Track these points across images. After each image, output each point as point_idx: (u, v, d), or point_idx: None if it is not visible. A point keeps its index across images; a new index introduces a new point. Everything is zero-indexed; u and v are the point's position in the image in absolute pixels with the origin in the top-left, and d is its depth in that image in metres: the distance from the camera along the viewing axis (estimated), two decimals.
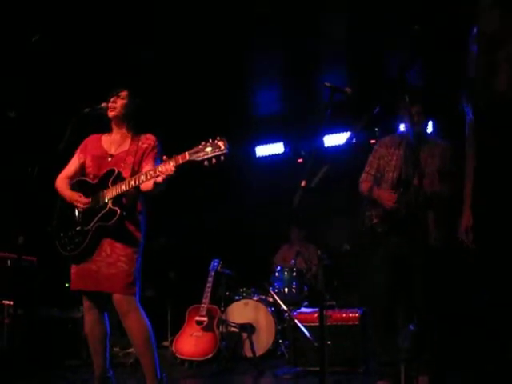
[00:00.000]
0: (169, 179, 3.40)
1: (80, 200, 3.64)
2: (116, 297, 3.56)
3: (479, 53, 2.57)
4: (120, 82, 3.86)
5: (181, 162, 3.30)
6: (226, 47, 6.36)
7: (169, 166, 3.33)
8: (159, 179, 3.35)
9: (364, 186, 4.28)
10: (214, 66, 6.67)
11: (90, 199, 3.64)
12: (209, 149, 3.21)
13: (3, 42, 5.68)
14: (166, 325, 6.51)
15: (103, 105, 3.78)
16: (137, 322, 3.59)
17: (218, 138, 3.23)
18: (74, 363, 5.51)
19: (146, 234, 3.77)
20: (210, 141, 3.22)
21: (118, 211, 3.52)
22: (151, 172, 3.42)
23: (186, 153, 3.29)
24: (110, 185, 3.59)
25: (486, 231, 2.75)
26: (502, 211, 2.59)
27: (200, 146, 3.24)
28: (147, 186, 3.54)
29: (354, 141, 3.21)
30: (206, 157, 3.20)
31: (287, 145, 8.41)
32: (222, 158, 3.21)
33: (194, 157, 3.24)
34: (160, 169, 3.36)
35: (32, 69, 5.90)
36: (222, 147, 3.20)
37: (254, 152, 8.63)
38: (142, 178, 3.46)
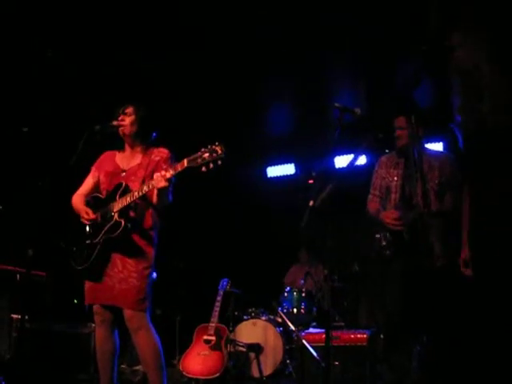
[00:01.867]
0: (172, 191, 3.52)
1: (85, 216, 3.69)
2: (127, 312, 3.58)
3: (461, 82, 2.64)
4: (126, 98, 3.91)
5: (180, 169, 3.39)
6: (238, 68, 6.42)
7: (166, 173, 3.40)
8: (161, 184, 3.40)
9: (371, 207, 4.31)
10: (226, 87, 6.73)
11: (99, 214, 3.68)
12: (206, 154, 3.28)
13: (17, 59, 5.78)
14: (175, 343, 6.50)
15: (114, 123, 3.82)
16: (147, 338, 3.59)
17: (217, 143, 3.30)
18: (82, 378, 5.50)
19: (158, 249, 3.79)
20: (209, 146, 3.30)
21: (123, 223, 3.56)
22: (152, 182, 3.47)
23: (185, 160, 3.37)
24: (117, 198, 3.63)
25: (484, 259, 2.77)
26: (497, 238, 2.61)
27: (198, 153, 3.31)
28: (152, 198, 3.60)
29: (356, 162, 3.25)
30: (203, 162, 3.28)
31: (298, 166, 8.43)
32: (219, 162, 3.28)
33: (192, 163, 3.33)
34: (155, 176, 3.43)
35: (45, 84, 5.99)
36: (219, 152, 3.27)
37: (265, 172, 8.65)
38: (145, 188, 3.52)
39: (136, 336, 3.60)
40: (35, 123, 6.39)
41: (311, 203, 3.27)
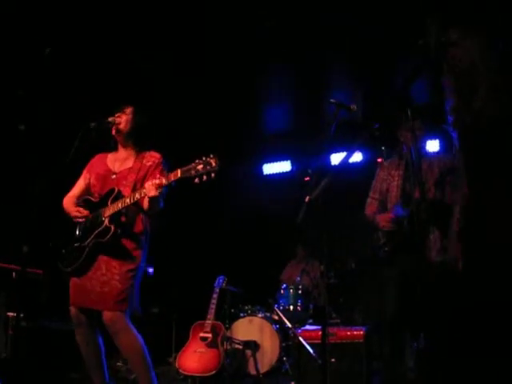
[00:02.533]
0: (164, 198, 3.54)
1: (77, 214, 3.69)
2: (105, 314, 3.55)
3: (455, 81, 2.65)
4: (126, 98, 3.90)
5: (172, 179, 3.39)
6: (236, 66, 6.41)
7: (158, 182, 3.40)
8: (152, 193, 3.40)
9: (369, 211, 4.32)
10: (224, 85, 6.72)
11: (90, 215, 3.68)
12: (200, 166, 3.28)
13: (14, 57, 5.77)
14: (171, 341, 6.50)
15: (110, 119, 3.82)
16: (128, 338, 3.57)
17: (211, 155, 3.29)
18: (78, 376, 5.48)
19: (147, 253, 3.79)
20: (203, 158, 3.30)
21: (112, 228, 3.56)
22: (144, 190, 3.46)
23: (178, 170, 3.37)
24: (109, 203, 3.62)
25: (479, 251, 2.77)
26: (495, 233, 2.61)
27: (192, 164, 3.31)
28: (143, 204, 3.60)
29: (350, 159, 3.26)
30: (197, 174, 3.27)
31: (294, 163, 8.44)
32: (213, 175, 3.28)
33: (185, 174, 3.33)
34: (147, 185, 3.42)
35: (42, 82, 5.98)
36: (213, 164, 3.27)
37: (261, 170, 8.66)
38: (137, 195, 3.51)
39: (117, 338, 3.57)
40: (32, 121, 6.38)
41: (307, 199, 3.27)
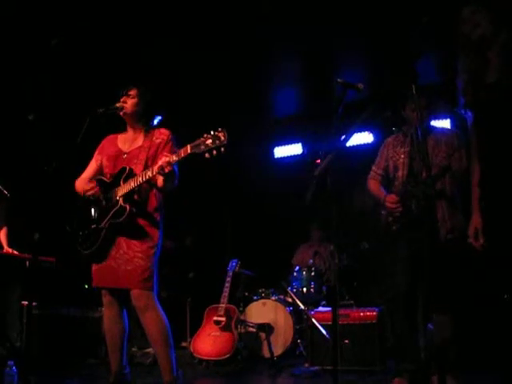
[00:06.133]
0: (179, 176, 3.50)
1: (87, 188, 3.73)
2: (134, 292, 3.60)
3: (466, 57, 2.62)
4: (130, 80, 3.89)
5: (183, 155, 3.38)
6: (244, 48, 6.37)
7: (169, 158, 3.40)
8: (166, 170, 3.40)
9: (371, 184, 4.31)
10: (233, 68, 6.69)
11: (103, 196, 3.69)
12: (209, 141, 3.28)
13: (22, 47, 5.78)
14: (185, 325, 6.54)
15: (117, 105, 3.82)
16: (154, 316, 3.60)
17: (219, 129, 3.29)
18: (92, 362, 5.55)
19: (163, 230, 3.80)
20: (212, 132, 3.29)
21: (128, 208, 3.57)
22: (155, 167, 3.47)
23: (188, 146, 3.36)
24: (121, 183, 3.63)
25: (497, 231, 2.73)
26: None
27: (201, 139, 3.31)
28: (157, 181, 3.61)
29: (349, 139, 3.25)
30: (206, 148, 3.27)
31: (305, 146, 8.39)
32: (223, 149, 3.27)
33: (195, 149, 3.32)
34: (160, 162, 3.42)
35: (50, 72, 5.99)
36: (222, 138, 3.27)
37: (272, 153, 8.63)
38: (149, 173, 3.52)
39: (143, 315, 3.62)
40: (41, 110, 6.40)
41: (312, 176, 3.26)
